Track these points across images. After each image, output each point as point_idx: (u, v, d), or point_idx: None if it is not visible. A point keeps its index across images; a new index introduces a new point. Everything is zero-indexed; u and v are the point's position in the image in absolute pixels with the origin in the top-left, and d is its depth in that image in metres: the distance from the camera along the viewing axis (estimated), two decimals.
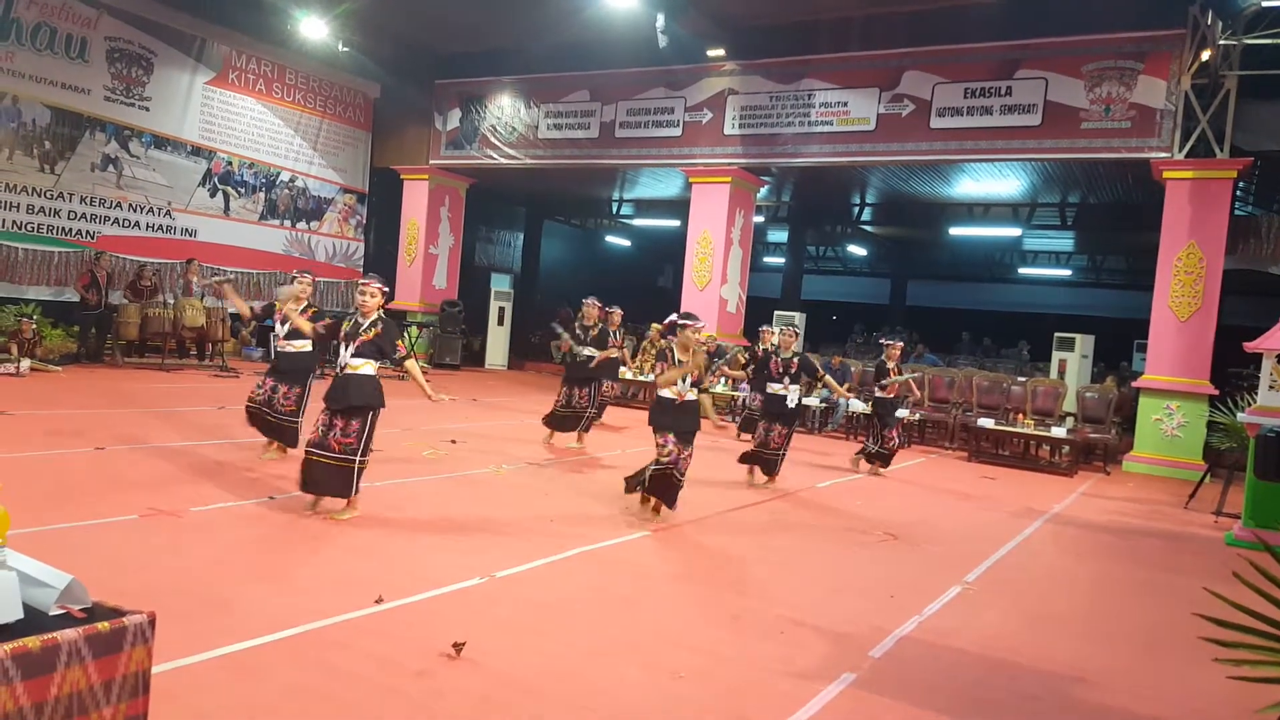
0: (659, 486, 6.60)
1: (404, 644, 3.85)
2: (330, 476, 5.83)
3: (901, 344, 10.32)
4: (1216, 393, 11.29)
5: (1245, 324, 11.00)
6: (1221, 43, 11.17)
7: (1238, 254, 12.26)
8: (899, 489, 9.15)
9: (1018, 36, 12.63)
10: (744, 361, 9.75)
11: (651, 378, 13.59)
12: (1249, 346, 7.82)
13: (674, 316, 7.02)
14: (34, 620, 1.84)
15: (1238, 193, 13.07)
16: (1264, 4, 10.46)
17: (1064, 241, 23.04)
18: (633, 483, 6.82)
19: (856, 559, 6.13)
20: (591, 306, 10.14)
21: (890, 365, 9.91)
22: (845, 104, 13.89)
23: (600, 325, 10.06)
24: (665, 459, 6.47)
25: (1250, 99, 11.60)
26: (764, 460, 8.40)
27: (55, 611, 1.89)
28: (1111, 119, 12.04)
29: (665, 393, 6.59)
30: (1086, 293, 26.40)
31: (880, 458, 9.77)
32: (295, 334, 7.31)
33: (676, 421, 6.55)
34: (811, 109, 14.16)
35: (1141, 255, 19.68)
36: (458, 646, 3.77)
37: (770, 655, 4.12)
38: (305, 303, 7.33)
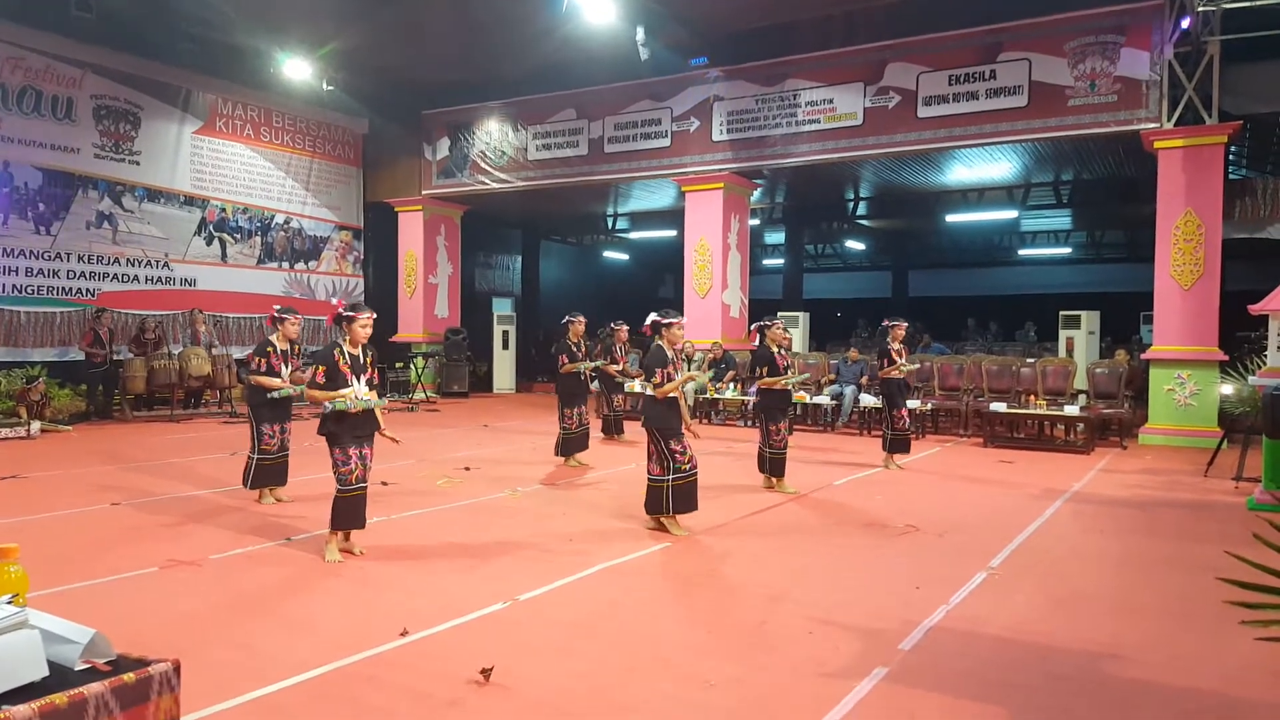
0: (684, 497, 6.52)
1: (433, 675, 3.84)
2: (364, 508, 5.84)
3: (905, 324, 10.11)
4: (1226, 359, 11.25)
5: (1249, 288, 10.94)
6: (1201, 9, 11.17)
7: (1235, 218, 12.24)
8: (917, 480, 9.11)
9: (997, 20, 12.65)
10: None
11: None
12: (1254, 309, 7.81)
13: (654, 316, 6.77)
14: (59, 676, 1.84)
15: (1230, 157, 13.05)
16: None
17: (1062, 220, 23.00)
18: (655, 509, 6.59)
19: (880, 553, 6.09)
20: (578, 324, 10.09)
21: (895, 346, 9.79)
22: (831, 101, 13.92)
23: (607, 340, 10.08)
24: (688, 465, 6.47)
25: (1234, 63, 11.60)
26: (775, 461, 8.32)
27: (80, 666, 1.89)
28: (1098, 94, 12.05)
29: (648, 390, 6.56)
30: (1088, 269, 26.34)
31: (897, 443, 9.66)
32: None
33: (668, 418, 6.53)
34: (798, 109, 14.20)
35: (1140, 227, 19.66)
36: (485, 672, 3.75)
37: (800, 657, 4.10)
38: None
